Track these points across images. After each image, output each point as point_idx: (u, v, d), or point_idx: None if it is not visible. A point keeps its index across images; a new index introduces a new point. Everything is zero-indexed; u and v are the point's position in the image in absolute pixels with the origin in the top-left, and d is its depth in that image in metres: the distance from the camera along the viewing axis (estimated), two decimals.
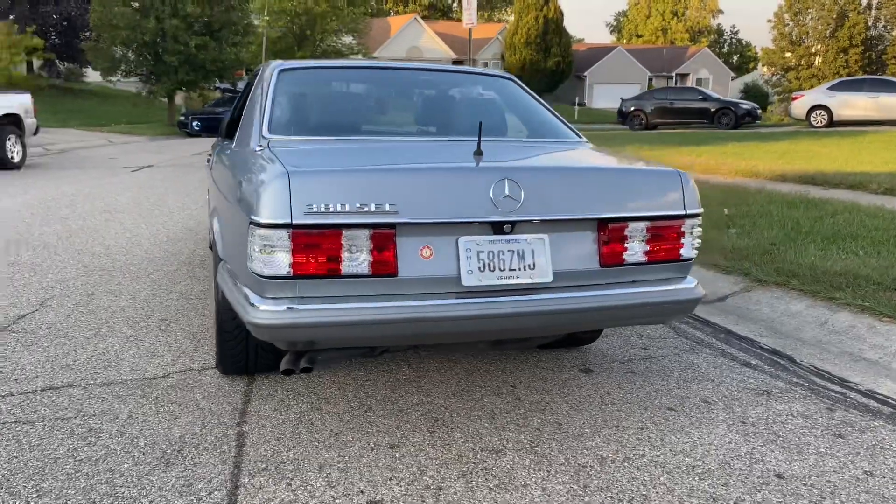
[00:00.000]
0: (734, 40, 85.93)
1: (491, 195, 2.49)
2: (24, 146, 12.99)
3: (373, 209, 2.39)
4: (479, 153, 2.70)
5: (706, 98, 26.42)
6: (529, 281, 2.56)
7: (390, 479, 2.50)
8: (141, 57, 28.21)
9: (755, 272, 5.19)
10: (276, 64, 3.66)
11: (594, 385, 3.39)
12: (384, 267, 2.44)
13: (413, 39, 48.34)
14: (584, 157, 3.21)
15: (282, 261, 2.36)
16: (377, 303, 2.43)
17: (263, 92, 3.39)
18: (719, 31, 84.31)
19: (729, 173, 10.58)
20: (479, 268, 2.51)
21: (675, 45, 67.32)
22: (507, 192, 2.51)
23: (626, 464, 2.65)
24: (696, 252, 2.88)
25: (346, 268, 2.42)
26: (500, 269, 2.54)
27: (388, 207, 2.40)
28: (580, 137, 3.55)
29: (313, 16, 35.27)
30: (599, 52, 57.48)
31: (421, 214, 2.44)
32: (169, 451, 2.68)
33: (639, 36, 77.95)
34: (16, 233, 6.90)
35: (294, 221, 2.33)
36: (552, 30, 48.43)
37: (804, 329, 4.32)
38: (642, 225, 2.71)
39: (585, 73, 54.88)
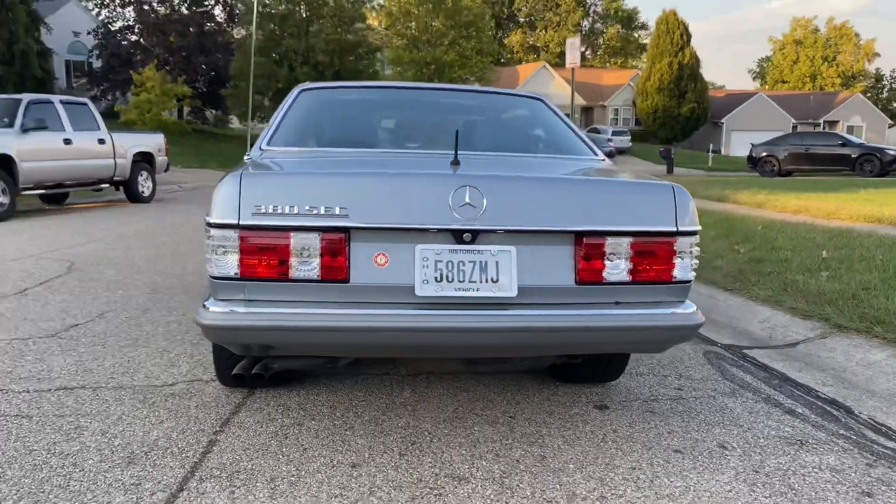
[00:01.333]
0: (895, 85, 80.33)
1: (450, 202, 2.37)
2: (154, 182, 14.02)
3: (322, 212, 2.33)
4: (455, 163, 2.59)
5: (847, 143, 24.65)
6: (491, 294, 2.40)
7: (335, 497, 2.39)
8: (275, 103, 30.06)
9: (836, 317, 4.68)
10: (302, 85, 3.72)
11: (602, 422, 3.13)
12: (335, 272, 2.37)
13: (542, 86, 48.63)
14: (574, 170, 3.01)
15: (230, 262, 2.35)
16: (327, 309, 2.36)
17: (281, 109, 3.45)
18: (878, 77, 79.16)
19: (848, 218, 9.73)
20: (437, 277, 2.38)
21: (824, 92, 63.79)
22: (466, 199, 2.38)
23: (597, 503, 2.39)
24: (694, 274, 2.60)
25: (295, 271, 2.37)
26: (460, 281, 2.40)
27: (338, 211, 2.34)
28: (597, 155, 3.35)
29: (441, 64, 36.29)
30: (739, 99, 55.38)
31: (374, 219, 2.36)
32: (137, 451, 2.70)
33: (784, 82, 74.56)
34: (112, 255, 7.38)
35: (241, 222, 2.32)
36: (687, 75, 47.22)
37: (877, 380, 3.82)
38: (625, 241, 2.49)
39: (723, 120, 52.96)
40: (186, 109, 35.14)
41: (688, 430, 3.06)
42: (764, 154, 25.46)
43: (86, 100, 13.54)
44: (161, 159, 14.25)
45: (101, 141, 12.85)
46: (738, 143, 50.97)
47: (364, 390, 3.41)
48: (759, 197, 12.57)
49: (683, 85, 47.24)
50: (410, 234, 2.40)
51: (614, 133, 42.92)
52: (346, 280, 2.38)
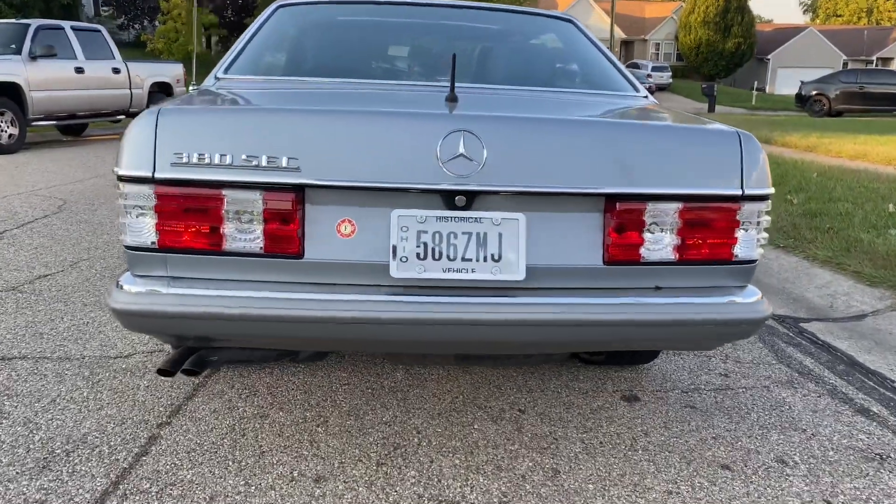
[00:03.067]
0: None
1: (438, 153, 1.76)
2: None
3: (264, 163, 1.74)
4: (452, 99, 1.97)
5: None
6: (491, 277, 1.81)
7: None
8: None
9: None
10: (280, 1, 3.08)
11: (632, 420, 2.55)
12: (284, 244, 1.79)
13: (582, 17, 46.65)
14: (609, 110, 2.36)
15: (146, 227, 1.78)
16: (272, 293, 1.79)
17: (250, 29, 2.83)
18: None
19: None
20: (419, 254, 1.79)
21: (879, 27, 60.52)
22: (461, 149, 1.77)
23: None
24: (761, 251, 1.98)
25: (231, 242, 1.79)
26: (450, 258, 1.81)
27: (285, 162, 1.74)
28: (638, 91, 2.68)
29: None
30: (787, 34, 52.75)
31: (336, 174, 1.76)
32: (58, 451, 2.20)
33: (838, 16, 70.91)
34: (112, 192, 6.89)
35: (157, 175, 1.74)
36: (734, 8, 44.93)
37: None
38: (672, 207, 1.87)
39: (769, 56, 50.60)
40: (214, 39, 34.29)
41: (737, 436, 2.47)
42: (814, 92, 24.06)
43: (99, 27, 12.93)
44: (179, 89, 13.65)
45: (116, 70, 12.31)
46: (784, 81, 48.78)
47: (349, 370, 2.87)
48: (810, 139, 11.65)
49: (729, 18, 44.97)
50: (385, 196, 1.81)
51: (654, 69, 41.18)
52: (299, 255, 1.80)
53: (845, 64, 50.04)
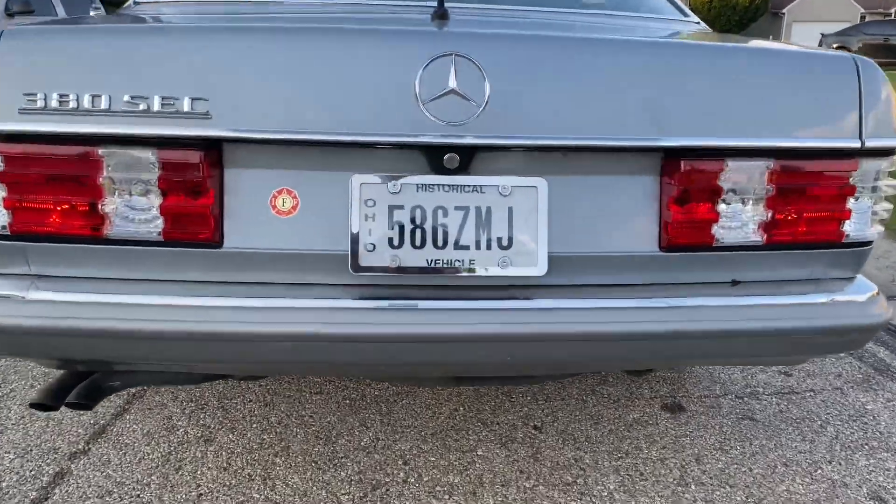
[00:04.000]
0: None
1: (417, 88, 1.18)
2: None
3: (157, 108, 1.16)
4: (440, 16, 1.37)
5: None
6: (497, 272, 1.24)
7: None
8: None
9: None
10: None
11: (678, 439, 2.00)
12: (193, 227, 1.23)
13: None
14: (655, 35, 1.74)
15: None
16: (177, 298, 1.23)
17: None
18: None
19: None
20: (393, 239, 1.22)
21: None
22: (451, 82, 1.19)
23: None
24: (880, 230, 1.39)
25: (115, 225, 1.23)
26: (437, 245, 1.23)
27: (188, 105, 1.17)
28: (687, 16, 2.07)
29: None
30: None
31: (265, 123, 1.19)
32: None
33: None
34: None
35: (2, 127, 1.16)
36: None
37: None
38: (759, 166, 1.29)
39: (783, 10, 49.11)
40: None
41: (815, 461, 1.92)
42: (835, 45, 23.08)
43: None
44: None
45: None
46: (800, 36, 47.40)
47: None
48: None
49: None
50: (340, 155, 1.23)
51: None
52: (217, 242, 1.24)
53: (862, 17, 48.52)
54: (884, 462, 1.93)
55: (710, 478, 1.84)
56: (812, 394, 2.32)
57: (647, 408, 2.18)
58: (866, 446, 2.01)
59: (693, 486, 1.80)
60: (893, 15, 51.20)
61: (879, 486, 1.83)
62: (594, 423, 2.08)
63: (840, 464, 1.92)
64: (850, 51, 22.56)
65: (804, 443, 2.01)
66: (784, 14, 49.86)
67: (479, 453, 1.91)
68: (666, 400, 2.23)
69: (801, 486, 1.81)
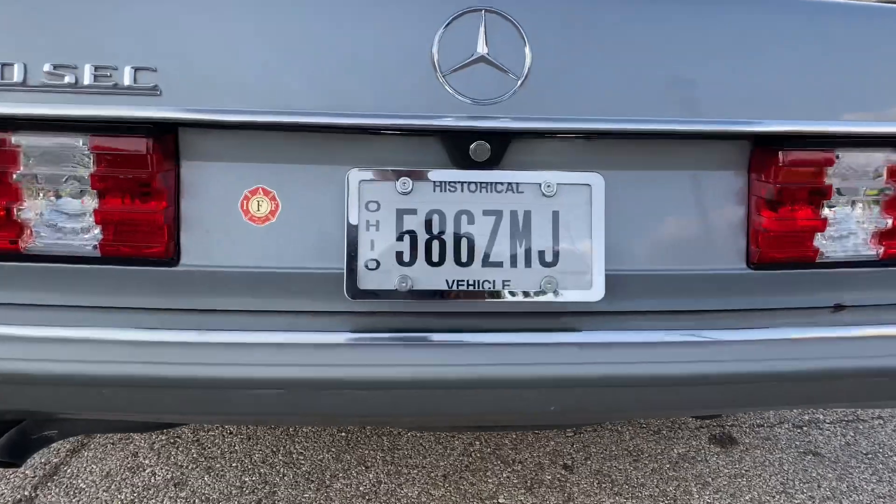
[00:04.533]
0: None
1: (435, 57, 0.88)
2: None
3: (87, 81, 0.87)
4: None
5: None
6: (542, 298, 0.94)
7: None
8: None
9: None
10: None
11: (733, 480, 1.70)
12: (140, 239, 0.93)
13: None
14: None
15: None
16: (121, 330, 0.92)
17: None
18: None
19: None
20: (404, 252, 0.93)
21: None
22: (480, 49, 0.89)
23: None
24: None
25: (38, 236, 0.93)
26: (461, 261, 0.94)
27: (130, 77, 0.87)
28: None
29: None
30: None
31: (233, 101, 0.88)
32: None
33: None
34: None
35: None
36: None
37: None
38: (877, 158, 0.99)
39: None
40: None
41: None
42: None
43: None
44: None
45: None
46: None
47: None
48: None
49: None
50: (335, 143, 0.94)
51: None
52: (172, 259, 0.94)
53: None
54: None
55: None
56: (881, 422, 2.02)
57: (692, 440, 1.88)
58: None
59: None
60: None
61: None
62: (633, 459, 1.78)
63: None
64: None
65: (881, 483, 1.72)
66: None
67: (500, 501, 1.61)
68: (714, 430, 1.94)
69: None
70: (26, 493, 1.59)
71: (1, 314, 0.95)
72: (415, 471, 1.71)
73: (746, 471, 1.75)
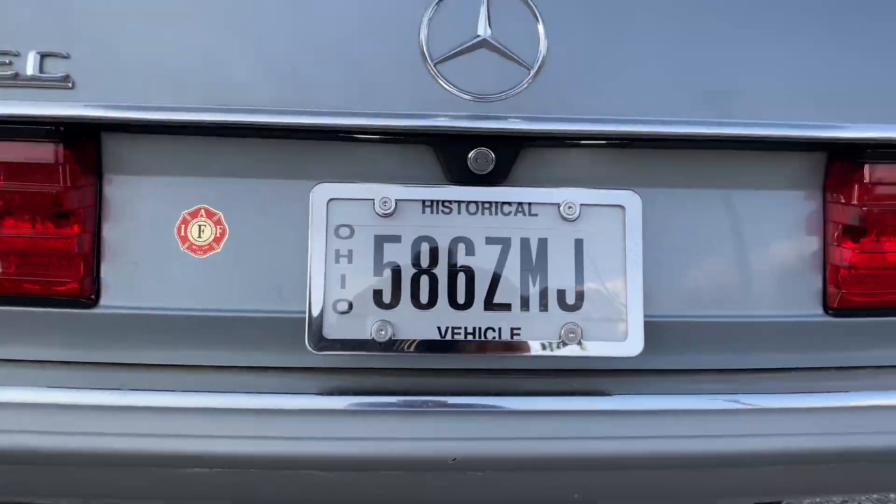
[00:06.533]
0: None
1: (423, 39, 0.69)
2: None
3: None
4: None
5: None
6: (562, 353, 0.72)
7: None
8: None
9: None
10: None
11: None
12: (50, 272, 0.74)
13: None
14: None
15: None
16: (23, 390, 0.72)
17: None
18: None
19: None
20: (383, 292, 0.72)
21: None
22: (482, 30, 0.71)
23: None
24: None
25: None
26: (457, 303, 0.74)
27: (33, 64, 0.69)
28: None
29: None
30: None
31: (172, 97, 0.69)
32: None
33: None
34: None
35: None
36: None
37: None
38: None
39: None
40: None
41: None
42: None
43: None
44: None
45: None
46: None
47: None
48: None
49: None
50: (296, 150, 0.75)
51: None
52: (88, 298, 0.75)
53: None
54: None
55: None
56: None
57: None
58: None
59: None
60: None
61: None
62: None
63: None
64: None
65: None
66: None
67: None
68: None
69: None
70: None
71: None
72: None
73: None
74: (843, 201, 0.79)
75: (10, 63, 0.70)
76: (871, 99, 0.77)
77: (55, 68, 0.70)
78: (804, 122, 0.76)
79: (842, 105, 0.77)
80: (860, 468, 0.82)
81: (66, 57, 0.71)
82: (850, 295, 0.79)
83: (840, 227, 0.79)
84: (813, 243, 0.81)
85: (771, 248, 0.80)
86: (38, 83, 0.70)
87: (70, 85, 0.70)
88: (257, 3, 0.73)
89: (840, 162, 0.79)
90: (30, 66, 0.70)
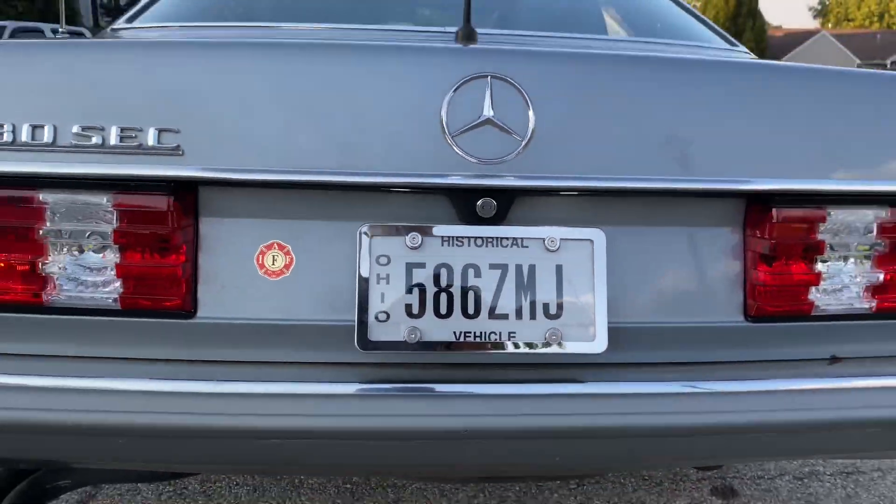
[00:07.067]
0: None
1: (444, 117, 0.93)
2: None
3: (114, 141, 0.92)
4: (466, 38, 1.12)
5: None
6: (544, 350, 0.97)
7: None
8: None
9: None
10: None
11: None
12: (159, 292, 0.98)
13: None
14: (716, 57, 1.50)
15: None
16: (141, 381, 0.96)
17: None
18: None
19: None
20: (412, 306, 0.96)
21: (892, 30, 59.59)
22: (487, 111, 0.94)
23: None
24: None
25: (61, 290, 0.98)
26: (468, 314, 0.97)
27: (153, 138, 0.93)
28: (735, 45, 1.84)
29: None
30: (799, 38, 51.86)
31: (250, 161, 0.93)
32: None
33: (849, 21, 69.99)
34: None
35: None
36: (745, 13, 44.05)
37: None
38: (868, 215, 1.03)
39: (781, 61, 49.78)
40: None
41: None
42: None
43: (82, 29, 12.18)
44: None
45: None
46: None
47: None
48: None
49: (740, 23, 43.98)
50: (347, 200, 0.99)
51: None
52: (189, 311, 0.98)
53: (859, 67, 48.99)
54: None
55: None
56: (880, 474, 2.02)
57: (695, 492, 1.89)
58: None
59: None
60: (889, 66, 51.88)
61: None
62: None
63: None
64: None
65: None
66: None
67: None
68: (715, 482, 1.94)
69: None
70: None
71: (22, 365, 0.98)
72: None
73: None
74: (758, 235, 1.04)
75: (136, 136, 0.93)
76: (777, 160, 1.02)
77: (168, 140, 0.94)
78: (728, 177, 1.01)
79: (756, 164, 1.01)
80: (773, 437, 1.07)
81: (177, 132, 0.94)
82: (763, 306, 1.04)
83: (756, 254, 1.04)
84: (737, 266, 1.05)
85: (705, 270, 1.05)
86: (155, 151, 0.93)
87: (180, 152, 0.94)
88: (319, 92, 0.97)
89: (755, 206, 1.04)
90: (150, 139, 0.93)
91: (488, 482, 1.41)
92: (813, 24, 76.01)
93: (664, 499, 1.85)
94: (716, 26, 1.93)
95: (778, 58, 50.99)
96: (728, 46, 1.80)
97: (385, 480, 1.87)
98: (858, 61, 50.59)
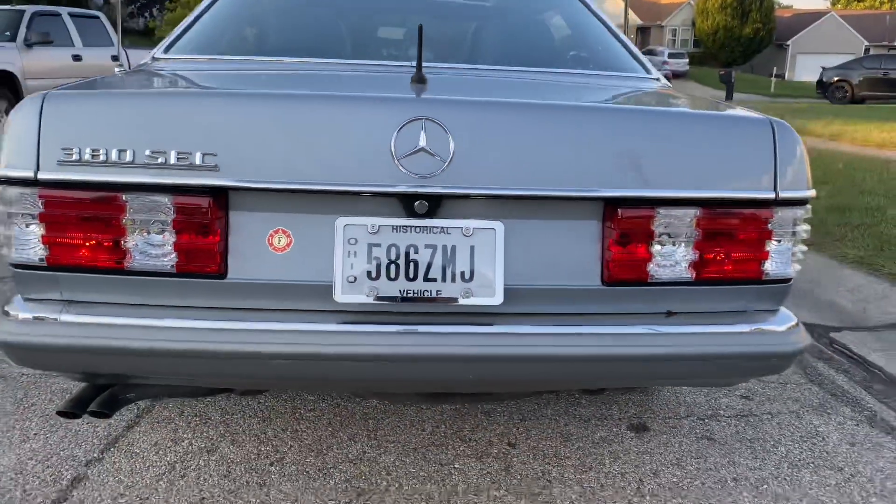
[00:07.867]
0: None
1: (392, 147, 1.40)
2: None
3: (173, 161, 1.39)
4: (419, 80, 1.60)
5: None
6: (460, 301, 1.45)
7: None
8: None
9: None
10: None
11: (640, 456, 2.19)
12: (202, 261, 1.45)
13: (596, 1, 45.75)
14: (614, 95, 1.98)
15: (32, 240, 1.43)
16: (188, 321, 1.44)
17: (203, 2, 2.46)
18: None
19: None
20: (371, 272, 1.44)
21: None
22: (421, 142, 1.41)
23: None
24: (797, 267, 1.60)
25: (136, 259, 1.45)
26: (409, 278, 1.45)
27: (199, 159, 1.39)
28: (649, 73, 2.30)
29: None
30: (807, 19, 51.61)
31: (264, 174, 1.41)
32: None
33: (860, 1, 69.52)
34: None
35: (42, 175, 1.39)
36: None
37: None
38: (688, 214, 1.50)
39: (788, 42, 49.56)
40: None
41: (763, 477, 2.11)
42: (836, 79, 23.41)
43: (98, 13, 12.60)
44: None
45: (115, 58, 11.94)
46: (804, 68, 47.80)
47: (319, 391, 2.52)
48: (833, 127, 11.17)
49: (748, 3, 44.00)
50: (327, 201, 1.46)
51: (671, 55, 40.25)
52: (222, 274, 1.45)
53: (867, 50, 48.81)
54: (826, 478, 2.12)
55: (665, 490, 2.03)
56: (769, 416, 2.51)
57: (614, 427, 2.37)
58: (812, 464, 2.20)
59: (648, 498, 1.99)
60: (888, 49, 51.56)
61: (820, 500, 2.01)
62: (563, 440, 2.27)
63: (785, 481, 2.10)
64: (850, 83, 22.84)
65: (755, 460, 2.20)
66: (788, 46, 50.34)
67: (455, 466, 2.10)
68: (633, 420, 2.42)
69: (747, 499, 2.00)
70: (95, 455, 2.09)
71: (109, 309, 1.46)
72: (392, 445, 2.20)
73: (651, 449, 2.24)
74: (611, 227, 1.51)
75: (187, 158, 1.40)
76: (623, 176, 1.48)
77: (209, 160, 1.41)
78: (590, 188, 1.48)
79: (609, 179, 1.48)
80: (625, 366, 1.54)
81: (215, 154, 1.41)
82: (614, 274, 1.52)
83: (609, 239, 1.52)
84: (596, 247, 1.52)
85: (574, 250, 1.52)
86: (200, 168, 1.41)
87: (217, 169, 1.41)
88: (311, 128, 1.44)
89: (609, 207, 1.51)
90: (197, 159, 1.40)
91: (435, 404, 1.87)
92: (824, 4, 75.38)
93: (588, 432, 2.33)
94: (640, 55, 2.38)
95: (786, 38, 50.39)
96: (644, 74, 2.25)
97: (366, 411, 2.36)
98: (867, 43, 50.35)
